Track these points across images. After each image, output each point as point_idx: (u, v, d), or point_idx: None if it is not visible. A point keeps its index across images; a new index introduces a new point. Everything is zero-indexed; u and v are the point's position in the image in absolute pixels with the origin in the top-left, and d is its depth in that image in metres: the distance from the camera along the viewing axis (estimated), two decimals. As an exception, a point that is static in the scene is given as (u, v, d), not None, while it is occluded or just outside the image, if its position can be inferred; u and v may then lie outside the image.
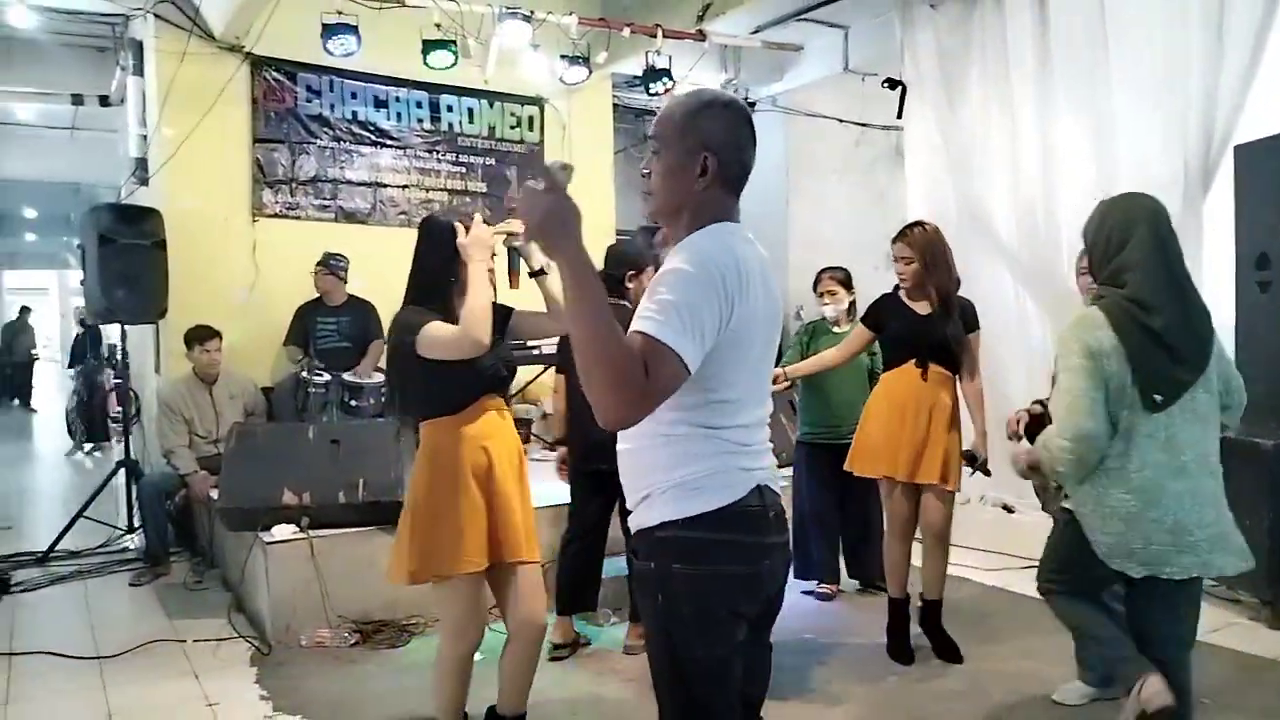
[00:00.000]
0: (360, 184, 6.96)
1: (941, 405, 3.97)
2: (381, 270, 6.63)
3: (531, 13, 6.37)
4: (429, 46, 6.26)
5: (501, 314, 2.92)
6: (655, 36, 6.70)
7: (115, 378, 14.06)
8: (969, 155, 6.24)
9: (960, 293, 4.04)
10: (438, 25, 6.21)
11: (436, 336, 2.78)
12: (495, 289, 2.88)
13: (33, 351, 16.45)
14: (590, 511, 4.14)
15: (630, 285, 3.94)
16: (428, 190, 7.21)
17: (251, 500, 4.43)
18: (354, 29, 5.98)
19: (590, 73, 6.94)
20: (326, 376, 5.93)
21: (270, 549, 4.29)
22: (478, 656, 3.01)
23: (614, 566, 4.36)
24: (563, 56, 6.81)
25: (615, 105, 8.41)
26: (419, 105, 7.16)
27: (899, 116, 6.82)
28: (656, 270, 1.87)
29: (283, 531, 4.35)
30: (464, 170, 7.35)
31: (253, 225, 6.57)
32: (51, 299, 23.21)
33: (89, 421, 10.68)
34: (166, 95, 6.20)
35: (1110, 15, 5.41)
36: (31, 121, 9.76)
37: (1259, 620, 4.36)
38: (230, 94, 6.38)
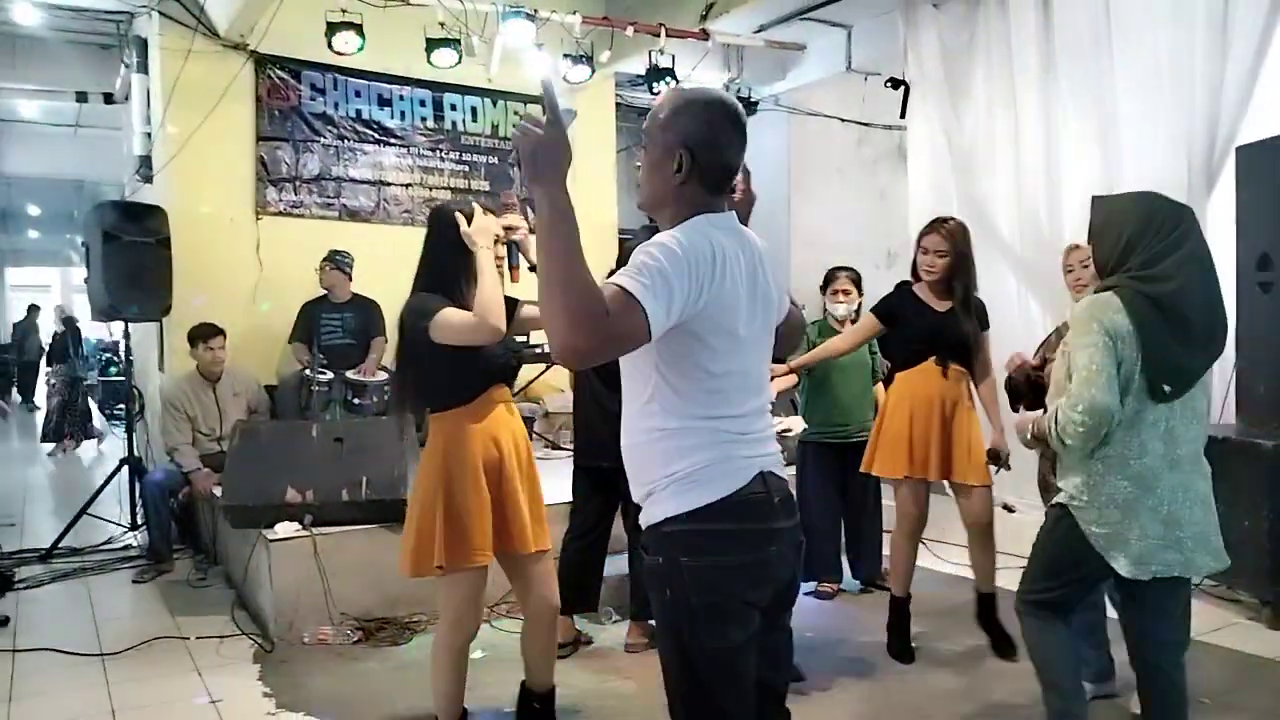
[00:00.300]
0: (364, 182, 6.97)
1: (964, 402, 3.95)
2: (385, 268, 6.63)
3: (535, 11, 6.38)
4: (433, 45, 6.29)
5: (509, 304, 2.93)
6: (658, 35, 6.71)
7: (99, 376, 14.17)
8: (972, 155, 6.25)
9: None
10: (441, 24, 6.24)
11: (451, 322, 2.78)
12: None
13: (42, 349, 16.48)
14: (591, 509, 4.14)
15: None
16: (431, 189, 7.22)
17: (255, 498, 4.44)
18: (358, 27, 6.00)
19: (593, 71, 6.94)
20: (330, 375, 5.95)
21: (273, 546, 4.30)
22: (477, 654, 3.02)
23: (615, 565, 4.36)
24: (566, 55, 6.82)
25: (618, 104, 8.41)
26: (422, 104, 7.17)
27: (902, 116, 6.83)
28: None
29: (286, 529, 4.36)
30: (467, 169, 7.36)
31: (256, 223, 6.58)
32: (54, 296, 23.23)
33: (71, 420, 10.72)
34: (171, 93, 6.22)
35: (1114, 16, 5.41)
36: (36, 118, 9.80)
37: (1259, 620, 4.36)
38: (234, 92, 6.39)
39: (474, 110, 7.38)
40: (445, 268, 2.92)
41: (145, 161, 6.67)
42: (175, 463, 5.48)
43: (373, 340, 6.27)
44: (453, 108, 7.30)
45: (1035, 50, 5.82)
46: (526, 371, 6.81)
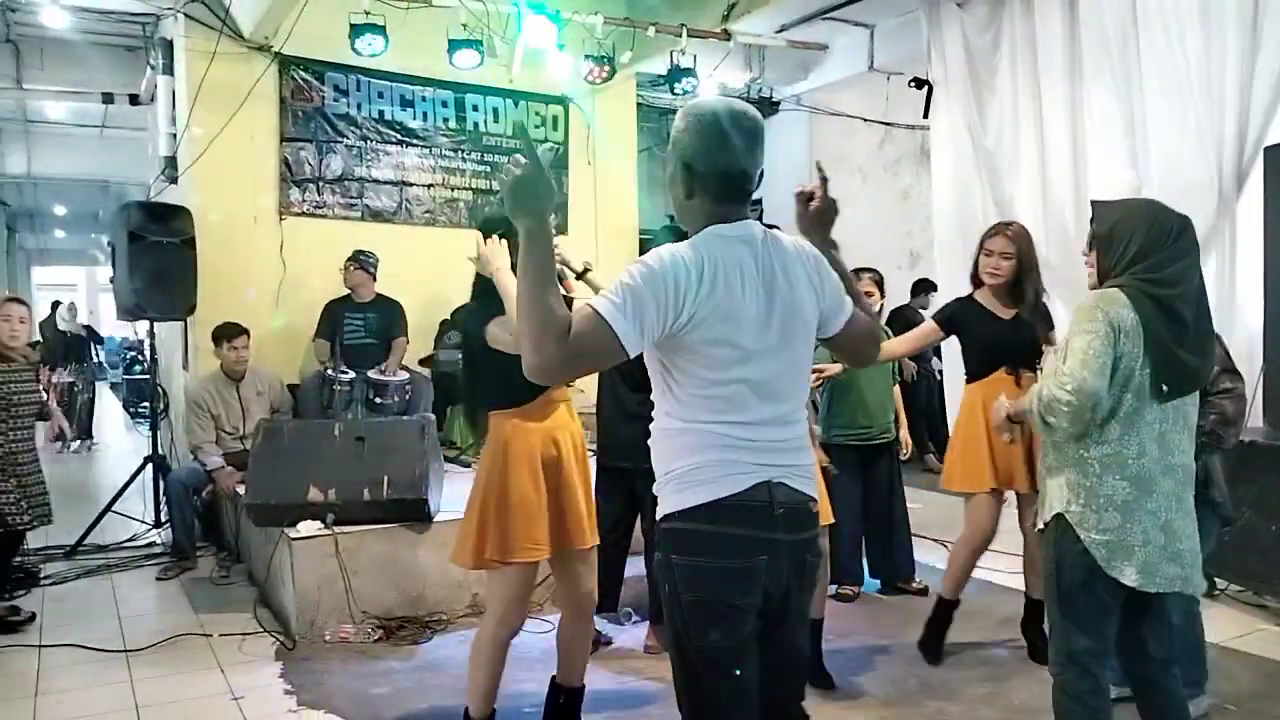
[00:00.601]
0: (386, 183, 7.00)
1: None
2: (407, 269, 6.69)
3: (557, 11, 6.39)
4: (455, 46, 6.30)
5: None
6: (680, 36, 6.70)
7: (124, 375, 14.25)
8: (996, 156, 6.21)
9: None
10: (464, 25, 6.25)
11: (497, 335, 2.86)
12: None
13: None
14: (612, 510, 4.12)
15: None
16: (453, 189, 7.24)
17: (277, 496, 4.46)
18: (381, 29, 6.02)
19: (615, 72, 6.94)
20: (351, 374, 5.98)
21: (295, 545, 4.32)
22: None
23: (634, 567, 4.36)
24: (587, 56, 6.83)
25: (639, 104, 8.41)
26: (444, 104, 7.19)
27: (925, 116, 6.80)
28: None
29: (308, 528, 4.38)
30: (489, 169, 7.36)
31: (280, 223, 6.62)
32: (80, 296, 23.48)
33: (76, 421, 10.85)
34: (196, 94, 6.26)
35: (1142, 14, 5.36)
36: (62, 120, 9.91)
37: (1286, 627, 4.31)
38: (259, 93, 6.43)
39: (495, 111, 7.39)
40: (489, 282, 2.98)
41: (170, 162, 6.72)
42: (199, 461, 5.52)
43: (394, 340, 6.30)
44: (474, 108, 7.31)
45: (1061, 49, 5.77)
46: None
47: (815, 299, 1.98)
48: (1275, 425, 4.57)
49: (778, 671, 2.00)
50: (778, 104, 8.94)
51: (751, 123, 1.93)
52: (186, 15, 6.30)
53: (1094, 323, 2.39)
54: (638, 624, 4.39)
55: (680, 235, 2.00)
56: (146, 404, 7.56)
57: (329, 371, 5.97)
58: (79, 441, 10.42)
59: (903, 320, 7.57)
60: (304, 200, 6.71)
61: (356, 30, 6.01)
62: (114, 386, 17.35)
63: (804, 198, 2.10)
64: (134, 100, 8.01)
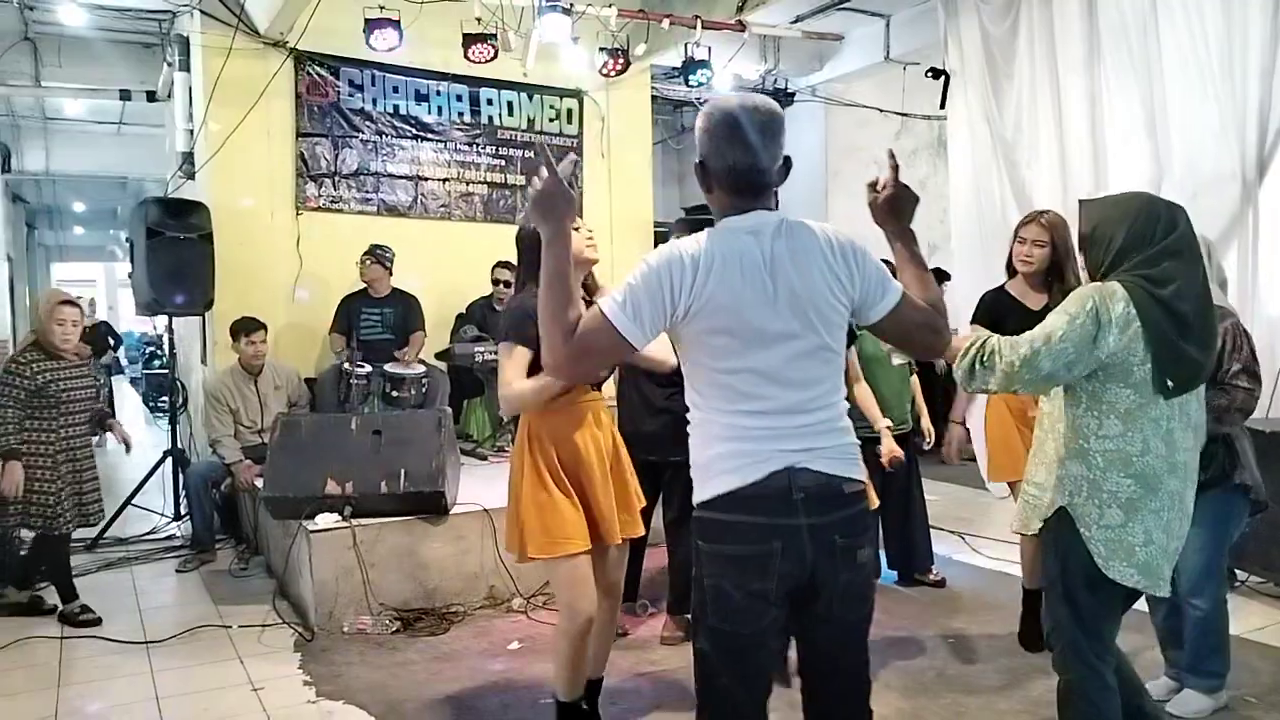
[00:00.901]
0: (401, 177, 7.02)
1: None
2: (422, 263, 6.71)
3: (571, 5, 6.38)
4: (469, 40, 6.30)
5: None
6: (694, 28, 6.68)
7: (143, 369, 14.23)
8: (1015, 146, 6.17)
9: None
10: (478, 19, 6.25)
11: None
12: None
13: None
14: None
15: None
16: (468, 183, 7.26)
17: (295, 489, 4.49)
18: (396, 24, 6.03)
19: (629, 65, 6.93)
20: (368, 368, 6.00)
21: (313, 537, 4.35)
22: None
23: (654, 558, 4.36)
24: (602, 49, 6.82)
25: (654, 97, 8.40)
26: (459, 99, 7.20)
27: (942, 107, 6.76)
28: None
29: (326, 520, 4.40)
30: (503, 163, 7.39)
31: (296, 218, 6.66)
32: (99, 292, 23.64)
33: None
34: (212, 90, 6.30)
35: (1162, 1, 5.30)
36: (81, 117, 9.96)
37: (1309, 619, 4.27)
38: (275, 88, 6.46)
39: (510, 105, 7.40)
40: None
41: (188, 158, 6.76)
42: (217, 454, 5.56)
43: (411, 334, 6.33)
44: (489, 102, 7.32)
45: (1080, 38, 5.72)
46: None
47: (838, 287, 1.98)
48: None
49: (816, 648, 2.04)
50: (793, 95, 8.91)
51: (767, 117, 1.97)
52: (203, 11, 6.33)
53: (1079, 314, 2.33)
54: (655, 615, 4.40)
55: (694, 227, 2.04)
56: (165, 398, 7.59)
57: (346, 365, 5.99)
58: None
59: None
60: (320, 195, 6.74)
61: (371, 25, 6.02)
62: (133, 381, 17.46)
63: (874, 186, 2.11)
64: (151, 97, 8.05)
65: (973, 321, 3.97)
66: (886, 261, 2.16)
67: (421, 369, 6.22)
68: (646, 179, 8.03)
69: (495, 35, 6.32)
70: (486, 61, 6.47)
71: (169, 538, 5.95)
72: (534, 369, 2.86)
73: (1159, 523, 2.33)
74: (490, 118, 7.33)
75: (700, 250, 1.93)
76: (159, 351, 14.44)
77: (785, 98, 8.78)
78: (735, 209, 1.99)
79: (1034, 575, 3.94)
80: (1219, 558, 3.26)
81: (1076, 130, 5.76)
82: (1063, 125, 5.84)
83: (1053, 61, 5.90)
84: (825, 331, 1.98)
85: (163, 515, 6.19)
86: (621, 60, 6.83)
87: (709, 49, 6.90)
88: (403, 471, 4.49)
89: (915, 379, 4.97)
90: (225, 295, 6.05)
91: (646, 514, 4.14)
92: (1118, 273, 2.39)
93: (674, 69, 7.42)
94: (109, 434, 5.01)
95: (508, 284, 6.10)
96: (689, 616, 2.09)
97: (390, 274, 6.33)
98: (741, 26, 6.96)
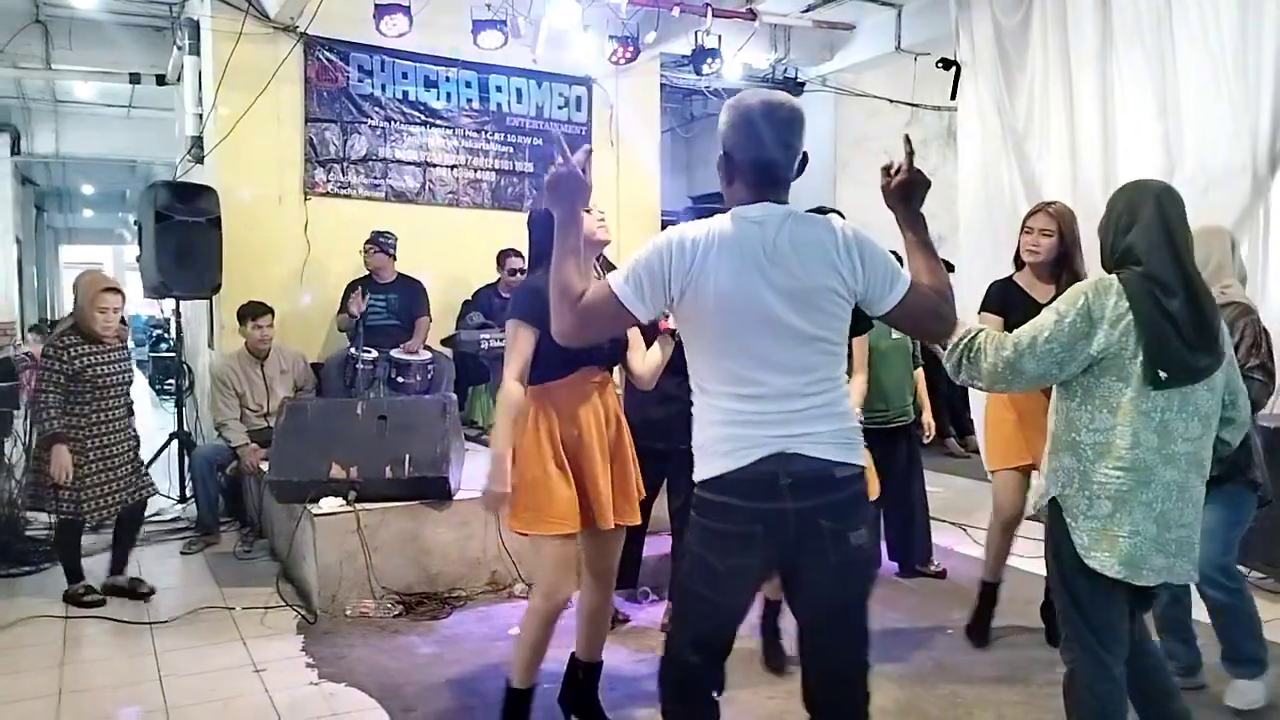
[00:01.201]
0: (410, 163, 7.02)
1: None
2: (430, 249, 6.72)
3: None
4: (479, 26, 6.29)
5: None
6: (704, 16, 6.66)
7: (150, 352, 14.21)
8: (1026, 138, 6.13)
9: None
10: (488, 5, 6.24)
11: None
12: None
13: None
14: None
15: None
16: (476, 170, 7.25)
17: (300, 473, 4.51)
18: (406, 9, 6.02)
19: (639, 53, 6.91)
20: (374, 353, 6.01)
21: (318, 521, 4.37)
22: (514, 630, 3.04)
23: (654, 545, 4.37)
24: (611, 36, 6.80)
25: (663, 85, 8.37)
26: (468, 85, 7.19)
27: (952, 97, 6.72)
28: None
29: (330, 504, 4.42)
30: (511, 150, 7.38)
31: (305, 203, 6.66)
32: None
33: None
34: (222, 74, 6.30)
35: (1175, -6, 5.26)
36: (90, 100, 9.98)
37: (1317, 616, 4.26)
38: (284, 74, 6.47)
39: (519, 92, 7.39)
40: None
41: (197, 142, 6.77)
42: (223, 438, 5.59)
43: (417, 320, 6.33)
44: (498, 89, 7.32)
45: (1092, 30, 5.68)
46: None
47: (839, 281, 2.04)
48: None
49: (811, 645, 2.16)
50: (803, 85, 8.87)
51: (786, 113, 2.06)
52: (213, -5, 6.34)
53: (1067, 308, 2.35)
54: (655, 603, 4.41)
55: (702, 215, 2.10)
56: (172, 381, 7.62)
57: (352, 350, 6.01)
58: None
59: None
60: (328, 180, 6.74)
61: (381, 10, 6.01)
62: (140, 364, 17.52)
63: (888, 170, 2.18)
64: (161, 80, 8.06)
65: (985, 310, 3.97)
66: (895, 253, 2.19)
67: (427, 355, 6.23)
68: (654, 167, 8.02)
69: (505, 22, 6.32)
70: (496, 48, 6.46)
71: (174, 520, 5.98)
72: (539, 355, 2.87)
73: (1150, 514, 2.31)
74: (499, 105, 7.33)
75: (702, 234, 2.03)
76: (166, 335, 14.48)
77: (795, 87, 8.74)
78: (752, 200, 2.07)
79: (992, 568, 4.01)
80: (1230, 551, 3.27)
81: (1088, 123, 5.72)
82: (1074, 118, 5.80)
83: (1065, 54, 5.85)
84: (821, 322, 2.04)
85: (168, 497, 6.21)
86: (631, 48, 6.81)
87: (719, 37, 6.87)
88: (407, 457, 4.51)
89: (920, 372, 4.96)
90: (232, 279, 6.07)
91: (646, 505, 4.16)
92: (1120, 267, 2.40)
93: (684, 57, 7.40)
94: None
95: (522, 272, 6.10)
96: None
97: (394, 259, 6.34)
98: (752, 15, 6.94)
